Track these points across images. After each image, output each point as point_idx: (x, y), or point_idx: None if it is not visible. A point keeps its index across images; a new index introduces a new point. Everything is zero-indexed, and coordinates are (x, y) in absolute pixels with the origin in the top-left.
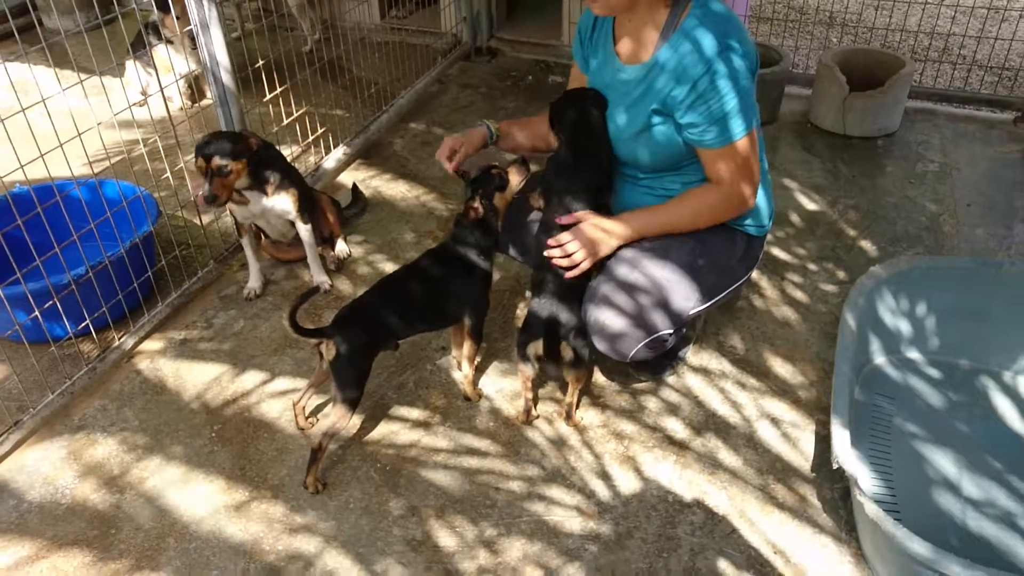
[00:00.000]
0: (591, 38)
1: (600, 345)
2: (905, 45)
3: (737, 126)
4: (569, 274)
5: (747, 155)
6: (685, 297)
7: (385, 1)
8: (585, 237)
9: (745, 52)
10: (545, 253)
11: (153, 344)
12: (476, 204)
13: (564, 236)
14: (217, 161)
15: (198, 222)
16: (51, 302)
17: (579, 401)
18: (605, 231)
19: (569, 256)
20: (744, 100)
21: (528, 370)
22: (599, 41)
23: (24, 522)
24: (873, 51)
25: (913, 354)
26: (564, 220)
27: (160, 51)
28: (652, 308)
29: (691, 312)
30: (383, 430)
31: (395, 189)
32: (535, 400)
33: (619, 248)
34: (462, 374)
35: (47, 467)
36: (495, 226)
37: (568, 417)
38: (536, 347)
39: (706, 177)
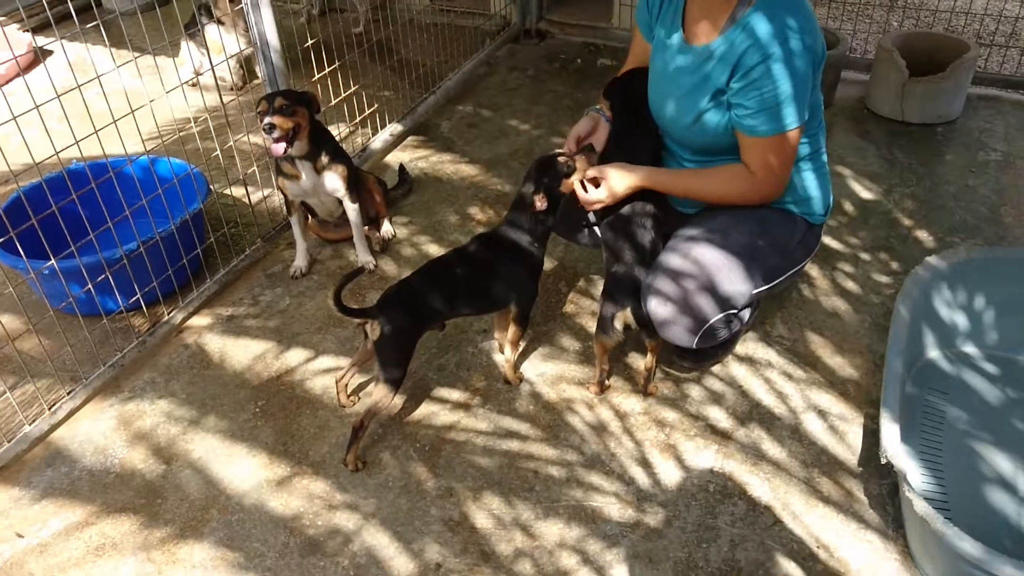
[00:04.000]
0: (660, 8)
1: (661, 333)
2: (970, 29)
3: (789, 116)
4: (589, 206)
5: (790, 149)
6: (741, 280)
7: None
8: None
9: (806, 42)
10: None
11: (201, 320)
12: (542, 195)
13: (590, 172)
14: (280, 100)
15: (247, 201)
16: (104, 276)
17: (654, 371)
18: (625, 172)
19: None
20: (799, 91)
21: (610, 340)
22: (667, 13)
23: (75, 489)
24: (935, 35)
25: (969, 348)
26: (592, 172)
27: (211, 31)
28: (703, 293)
29: (748, 295)
30: (423, 410)
31: (441, 171)
32: (609, 372)
33: (646, 205)
34: (504, 357)
35: (98, 436)
36: (556, 213)
37: (646, 383)
38: (624, 316)
39: (743, 161)
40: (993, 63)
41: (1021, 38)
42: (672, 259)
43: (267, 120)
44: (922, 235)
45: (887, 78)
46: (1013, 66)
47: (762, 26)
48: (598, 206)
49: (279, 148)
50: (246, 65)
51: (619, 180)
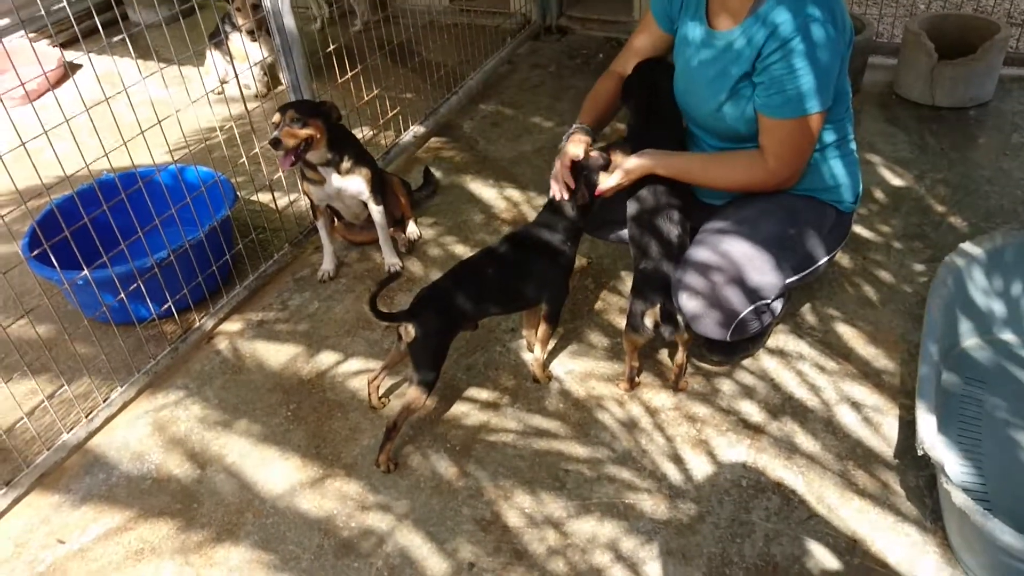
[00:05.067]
0: (683, 1)
1: (694, 327)
2: (1000, 9)
3: (811, 102)
4: (605, 193)
5: (811, 135)
6: (771, 271)
7: None
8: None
9: (830, 32)
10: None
11: (232, 325)
12: (581, 193)
13: (593, 153)
14: (292, 114)
15: (274, 206)
16: (136, 284)
17: (685, 367)
18: (638, 156)
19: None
20: (822, 82)
21: (640, 338)
22: (689, 4)
23: (113, 495)
24: (964, 16)
25: (1007, 336)
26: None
27: (235, 40)
28: (733, 286)
29: (780, 287)
30: (453, 411)
31: (465, 171)
32: (639, 368)
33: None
34: (533, 356)
35: (134, 443)
36: (590, 213)
37: (677, 379)
38: (655, 314)
39: (760, 143)
40: None
41: None
42: (701, 252)
43: (273, 135)
44: (956, 221)
45: (916, 62)
46: None
47: (783, 16)
48: (612, 190)
49: (286, 163)
50: (270, 72)
51: (630, 159)
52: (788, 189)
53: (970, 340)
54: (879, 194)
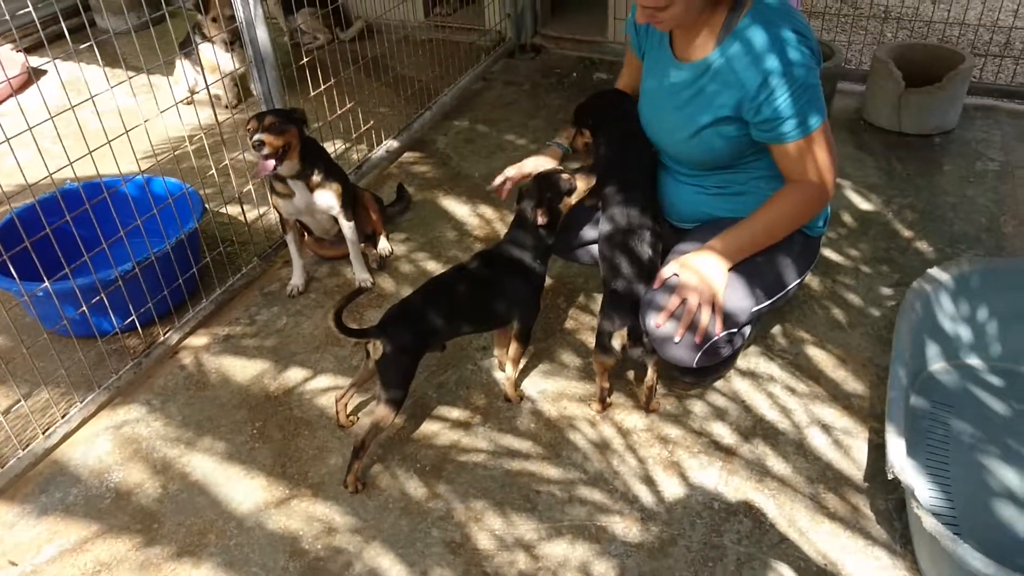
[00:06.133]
0: (647, 29)
1: (660, 352)
2: (964, 40)
3: (813, 115)
4: (698, 336)
5: (827, 142)
6: (742, 297)
7: None
8: (693, 284)
9: (803, 43)
10: (657, 325)
11: (197, 340)
12: (542, 210)
13: (673, 300)
14: (270, 119)
15: (243, 219)
16: (98, 297)
17: (655, 388)
18: (704, 262)
19: (690, 311)
20: (809, 91)
21: (609, 359)
22: (654, 35)
23: (70, 513)
24: (930, 46)
25: (973, 360)
26: (657, 285)
27: (205, 50)
28: (704, 310)
29: (751, 312)
30: (423, 430)
31: (438, 187)
32: (610, 389)
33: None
34: (504, 375)
35: (93, 460)
36: (556, 229)
37: (648, 401)
38: (622, 336)
39: (785, 174)
40: (988, 73)
41: (1015, 48)
42: (672, 275)
43: (256, 136)
44: (922, 246)
45: (884, 89)
46: (1008, 76)
47: (760, 41)
48: (707, 320)
49: (268, 165)
50: (241, 84)
51: (713, 270)
52: None
53: (937, 364)
54: (847, 218)
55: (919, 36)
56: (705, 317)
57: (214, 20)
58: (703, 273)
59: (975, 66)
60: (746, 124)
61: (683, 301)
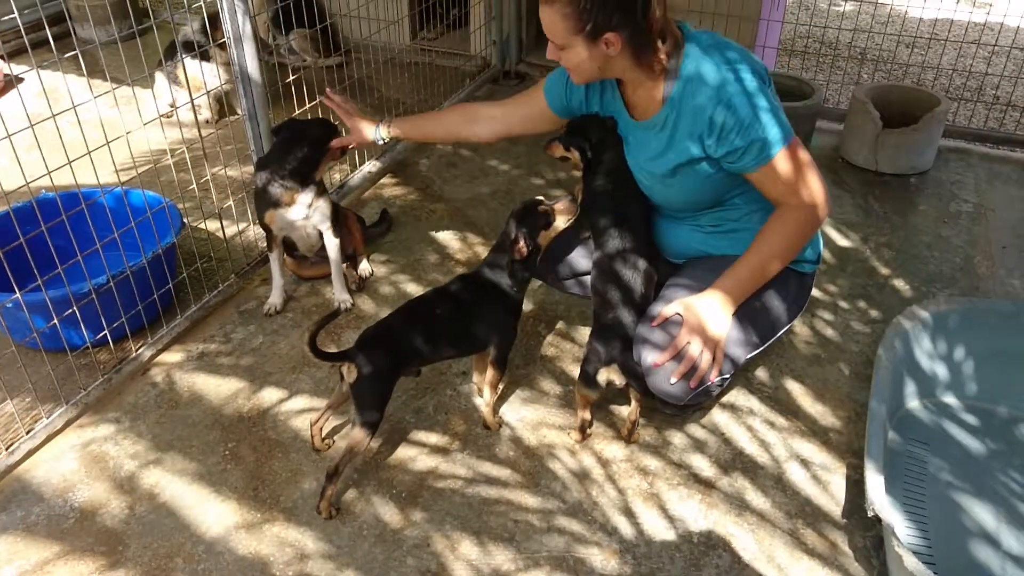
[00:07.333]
0: (600, 90)
1: (652, 386)
2: (937, 84)
3: (773, 136)
4: (694, 380)
5: (799, 159)
6: (738, 344)
7: (416, 22)
8: (698, 331)
9: (750, 65)
10: (656, 365)
11: (171, 356)
12: (521, 244)
13: (677, 342)
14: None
15: (222, 235)
16: (71, 310)
17: (637, 422)
18: (709, 308)
19: (691, 358)
20: (768, 110)
21: (592, 394)
22: (608, 96)
23: (31, 533)
24: (907, 88)
25: (949, 399)
26: (656, 323)
27: (191, 66)
28: (707, 359)
29: (746, 358)
30: (400, 455)
31: (420, 210)
32: (592, 419)
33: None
34: (483, 401)
35: (58, 478)
36: (535, 260)
37: (630, 433)
38: (608, 373)
39: (771, 202)
40: (962, 117)
41: (986, 93)
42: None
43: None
44: (899, 284)
45: (861, 129)
46: (981, 120)
47: (708, 72)
48: (709, 364)
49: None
50: (225, 99)
51: (719, 317)
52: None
53: (913, 402)
54: (827, 254)
55: (894, 78)
56: (705, 364)
57: (222, 48)
58: (707, 322)
59: (950, 110)
60: (717, 160)
61: (686, 343)
